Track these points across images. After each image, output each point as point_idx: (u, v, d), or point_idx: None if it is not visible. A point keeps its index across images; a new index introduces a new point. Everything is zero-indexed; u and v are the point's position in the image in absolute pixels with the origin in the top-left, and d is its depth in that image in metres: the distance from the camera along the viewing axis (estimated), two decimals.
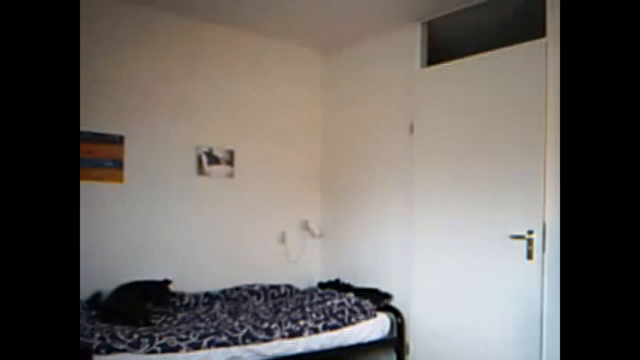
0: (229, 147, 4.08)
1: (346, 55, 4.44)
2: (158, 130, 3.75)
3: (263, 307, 3.65)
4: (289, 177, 4.43)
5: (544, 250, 3.04)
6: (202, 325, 3.04)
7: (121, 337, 2.64)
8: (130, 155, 3.62)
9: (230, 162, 4.08)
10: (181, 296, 3.62)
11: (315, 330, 3.25)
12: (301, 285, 4.29)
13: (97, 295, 3.38)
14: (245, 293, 3.90)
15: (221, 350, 2.84)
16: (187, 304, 3.59)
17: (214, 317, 3.35)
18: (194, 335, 2.81)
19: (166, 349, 2.69)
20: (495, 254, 3.26)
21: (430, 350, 3.63)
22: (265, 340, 3.01)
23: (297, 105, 4.49)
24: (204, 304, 3.67)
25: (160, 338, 2.71)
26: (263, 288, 3.99)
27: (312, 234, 4.50)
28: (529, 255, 3.09)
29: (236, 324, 3.07)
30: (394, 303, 3.85)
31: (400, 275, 3.86)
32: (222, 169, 4.04)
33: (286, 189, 4.40)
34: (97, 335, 2.61)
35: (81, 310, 3.15)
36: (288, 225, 4.42)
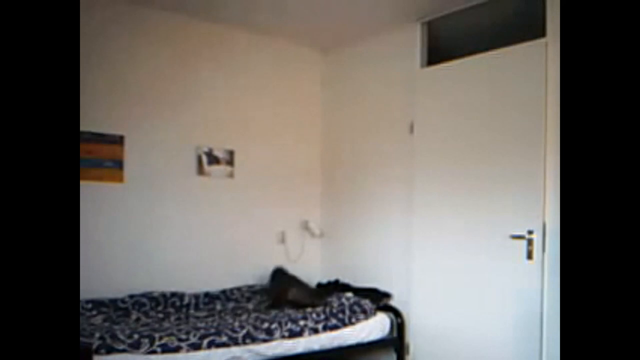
0: (229, 147, 4.08)
1: (346, 54, 4.44)
2: (158, 130, 3.75)
3: (263, 307, 3.65)
4: (289, 177, 4.42)
5: (544, 250, 3.04)
6: (202, 325, 3.04)
7: (121, 337, 2.64)
8: (130, 155, 3.62)
9: (230, 162, 4.08)
10: (181, 296, 3.62)
11: (315, 330, 3.25)
12: None
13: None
14: (245, 293, 3.90)
15: (221, 350, 2.85)
16: (188, 304, 3.59)
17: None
18: (194, 336, 2.81)
19: (166, 349, 2.69)
20: (495, 254, 3.26)
21: (430, 350, 3.63)
22: (265, 340, 3.01)
23: (297, 105, 4.49)
24: (204, 304, 3.67)
25: (161, 338, 2.71)
26: (263, 288, 3.99)
27: (312, 234, 4.50)
28: (529, 255, 3.09)
29: (236, 324, 3.07)
30: (393, 303, 3.85)
31: (400, 275, 3.86)
32: (222, 169, 4.04)
33: (286, 189, 4.40)
34: (97, 335, 2.61)
35: (82, 311, 3.15)
36: (288, 225, 4.42)
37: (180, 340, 2.75)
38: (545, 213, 3.03)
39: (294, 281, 3.90)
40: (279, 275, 3.93)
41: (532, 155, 3.09)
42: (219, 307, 3.66)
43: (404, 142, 3.88)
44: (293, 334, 3.14)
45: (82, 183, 3.26)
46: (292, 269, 4.39)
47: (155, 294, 3.52)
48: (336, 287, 4.13)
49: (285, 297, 3.64)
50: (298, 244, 4.47)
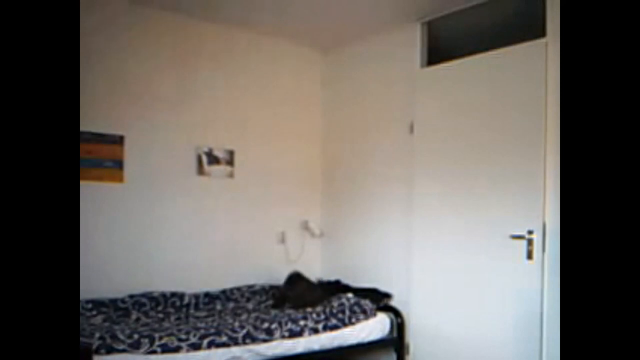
0: (229, 147, 4.08)
1: (346, 54, 4.43)
2: (158, 130, 3.75)
3: (263, 307, 3.65)
4: (289, 177, 4.42)
5: (544, 250, 3.04)
6: (202, 325, 3.04)
7: (121, 337, 2.64)
8: (130, 155, 3.62)
9: (230, 162, 4.08)
10: (181, 296, 3.62)
11: (315, 330, 3.25)
12: None
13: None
14: (245, 293, 3.90)
15: (221, 350, 2.84)
16: (188, 304, 3.59)
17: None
18: (194, 336, 2.81)
19: (166, 349, 2.69)
20: (495, 254, 3.26)
21: (430, 350, 3.63)
22: (265, 340, 3.01)
23: (297, 105, 4.49)
24: (204, 304, 3.67)
25: (161, 338, 2.71)
26: (263, 288, 3.99)
27: (312, 234, 4.50)
28: (529, 255, 3.09)
29: (236, 324, 3.07)
30: (393, 303, 3.85)
31: (400, 275, 3.86)
32: (222, 169, 4.04)
33: (286, 189, 4.40)
34: (97, 335, 2.61)
35: (82, 311, 3.15)
36: (288, 225, 4.42)
37: (180, 340, 2.75)
38: (545, 213, 3.03)
39: (313, 285, 3.91)
40: (296, 278, 3.88)
41: (532, 155, 3.09)
42: (219, 307, 3.66)
43: (404, 142, 3.88)
44: (293, 334, 3.14)
45: (82, 183, 3.26)
46: (292, 269, 4.39)
47: (155, 294, 3.53)
48: (337, 287, 4.13)
49: (304, 300, 3.64)
50: (298, 244, 4.47)
